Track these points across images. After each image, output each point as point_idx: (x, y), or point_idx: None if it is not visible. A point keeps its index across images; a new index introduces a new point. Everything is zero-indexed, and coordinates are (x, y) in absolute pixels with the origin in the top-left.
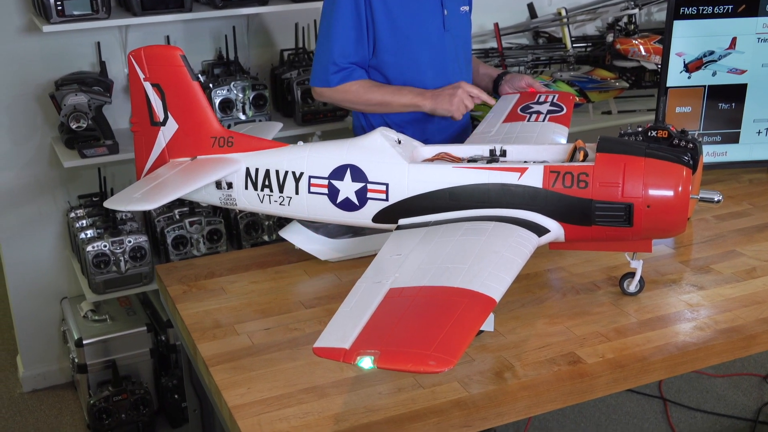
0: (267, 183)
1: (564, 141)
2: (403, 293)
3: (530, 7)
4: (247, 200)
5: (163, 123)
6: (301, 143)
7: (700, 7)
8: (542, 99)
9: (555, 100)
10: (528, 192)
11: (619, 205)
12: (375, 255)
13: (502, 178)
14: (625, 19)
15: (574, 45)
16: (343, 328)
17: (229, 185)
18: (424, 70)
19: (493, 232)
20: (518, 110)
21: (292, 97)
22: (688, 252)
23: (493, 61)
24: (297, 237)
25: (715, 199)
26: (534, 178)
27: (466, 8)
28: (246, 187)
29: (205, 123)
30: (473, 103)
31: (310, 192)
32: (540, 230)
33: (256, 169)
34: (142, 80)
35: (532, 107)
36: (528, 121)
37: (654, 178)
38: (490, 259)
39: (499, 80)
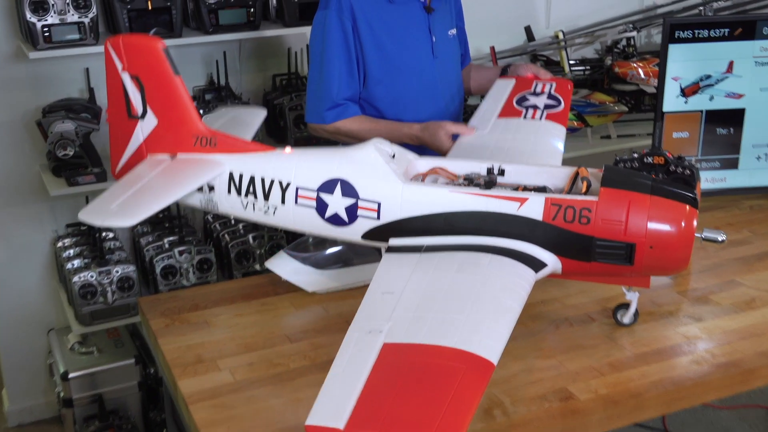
0: (251, 189)
1: (561, 144)
2: (399, 353)
3: (527, 30)
4: (228, 205)
5: (142, 117)
6: (288, 149)
7: (696, 31)
8: (539, 89)
9: (552, 91)
10: (527, 224)
11: (621, 244)
12: (363, 286)
13: (501, 207)
14: (623, 42)
15: (572, 68)
16: (335, 400)
17: (211, 188)
18: (414, 99)
19: (490, 269)
20: (514, 102)
21: (285, 122)
22: (686, 282)
23: None
24: (284, 268)
25: (719, 239)
26: (534, 210)
27: (454, 31)
28: (228, 192)
29: (188, 121)
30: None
31: (297, 203)
32: (537, 264)
33: (240, 174)
34: (119, 70)
35: (528, 99)
36: (524, 117)
37: (659, 218)
38: (487, 308)
39: (504, 75)
